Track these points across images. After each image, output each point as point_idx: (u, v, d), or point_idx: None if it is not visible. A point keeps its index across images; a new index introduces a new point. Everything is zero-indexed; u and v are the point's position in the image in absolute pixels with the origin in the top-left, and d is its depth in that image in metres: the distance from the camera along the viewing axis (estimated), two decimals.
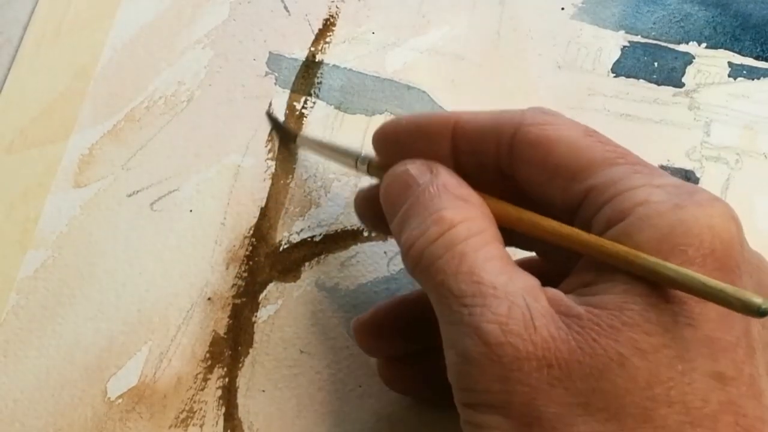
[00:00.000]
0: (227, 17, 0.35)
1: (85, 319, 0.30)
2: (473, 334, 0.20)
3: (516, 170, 0.23)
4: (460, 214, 0.22)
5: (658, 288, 0.20)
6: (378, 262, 0.32)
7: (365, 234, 0.32)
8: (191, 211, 0.32)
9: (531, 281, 0.21)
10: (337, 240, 0.32)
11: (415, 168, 0.24)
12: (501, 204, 0.23)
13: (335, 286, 0.31)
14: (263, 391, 0.30)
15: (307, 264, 0.32)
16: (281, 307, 0.31)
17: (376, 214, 0.26)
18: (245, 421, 0.29)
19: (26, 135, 0.33)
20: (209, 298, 0.31)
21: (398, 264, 0.32)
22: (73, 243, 0.31)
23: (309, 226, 0.32)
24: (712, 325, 0.19)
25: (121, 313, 0.31)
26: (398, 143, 0.25)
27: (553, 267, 0.24)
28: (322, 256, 0.32)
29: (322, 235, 0.32)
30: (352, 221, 0.32)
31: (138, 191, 0.32)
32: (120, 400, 0.29)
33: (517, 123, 0.23)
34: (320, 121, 0.34)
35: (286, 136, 0.33)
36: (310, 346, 0.30)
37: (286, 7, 0.36)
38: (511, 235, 0.23)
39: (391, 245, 0.32)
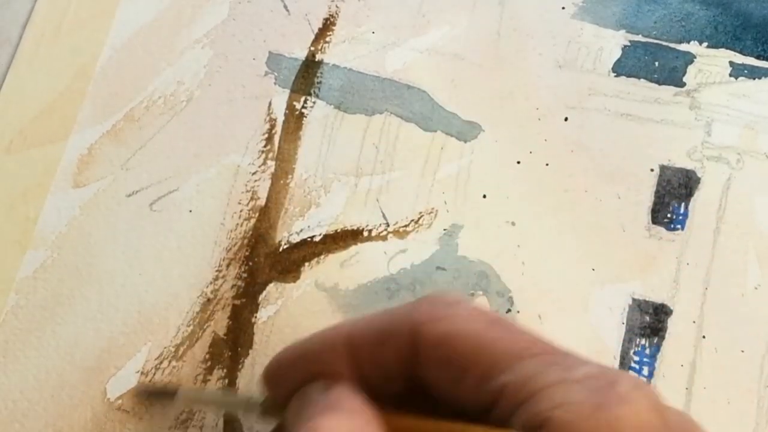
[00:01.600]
0: (227, 17, 0.35)
1: (85, 319, 0.30)
2: None
3: (422, 374, 0.22)
4: (339, 426, 0.20)
5: None
6: (378, 262, 0.32)
7: (365, 234, 0.32)
8: (191, 211, 0.32)
9: None
10: (337, 240, 0.32)
11: (312, 388, 0.22)
12: (405, 418, 0.22)
13: (335, 286, 0.31)
14: None
15: (307, 264, 0.32)
16: (281, 307, 0.31)
17: None
18: (245, 422, 0.29)
19: (26, 135, 0.33)
20: (209, 299, 0.31)
21: (398, 264, 0.32)
22: (72, 243, 0.31)
23: (309, 226, 0.32)
24: None
25: (121, 314, 0.31)
26: (292, 375, 0.23)
27: None
28: (322, 256, 0.32)
29: (322, 235, 0.32)
30: (352, 221, 0.32)
31: (137, 191, 0.32)
32: (120, 401, 0.29)
33: (412, 322, 0.21)
34: (320, 121, 0.34)
35: (163, 397, 0.30)
36: None
37: (286, 7, 0.36)
38: None
39: (391, 245, 0.32)
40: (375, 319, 0.23)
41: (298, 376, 0.23)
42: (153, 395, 0.30)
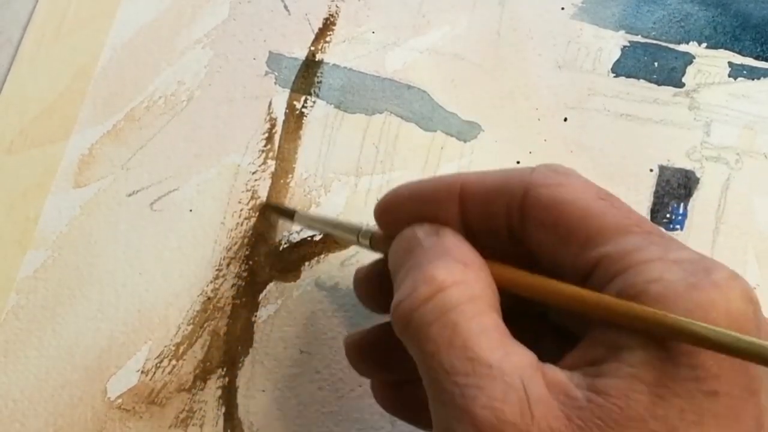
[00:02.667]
0: (227, 17, 0.35)
1: (85, 319, 0.30)
2: (465, 419, 0.19)
3: (526, 234, 0.22)
4: (453, 276, 0.21)
5: (667, 375, 0.18)
6: None
7: None
8: (191, 211, 0.32)
9: (528, 358, 0.20)
10: (337, 240, 0.32)
11: (421, 231, 0.23)
12: (508, 269, 0.22)
13: (335, 285, 0.31)
14: (263, 391, 0.30)
15: (307, 264, 0.32)
16: (281, 307, 0.31)
17: (374, 292, 0.25)
18: (245, 421, 0.29)
19: (26, 135, 0.33)
20: (209, 298, 0.31)
21: None
22: (73, 243, 0.31)
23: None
24: (721, 421, 0.18)
25: (121, 313, 0.31)
26: (403, 213, 0.24)
27: (560, 328, 0.23)
28: (322, 256, 0.32)
29: (322, 235, 0.32)
30: (352, 221, 0.32)
31: (138, 191, 0.32)
32: (120, 400, 0.29)
33: (527, 183, 0.22)
34: (320, 120, 0.34)
35: (284, 215, 0.32)
36: (310, 346, 0.30)
37: (286, 7, 0.36)
38: (520, 301, 0.23)
39: None
40: (491, 174, 0.23)
41: (409, 215, 0.24)
42: (276, 211, 0.32)
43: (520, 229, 0.22)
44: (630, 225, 0.21)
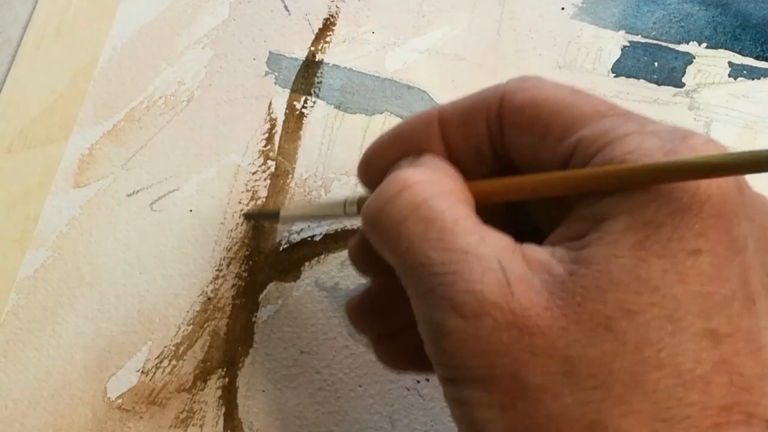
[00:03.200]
0: (227, 17, 0.35)
1: (85, 319, 0.30)
2: (446, 306, 0.19)
3: (508, 144, 0.22)
4: (421, 175, 0.21)
5: (648, 238, 0.18)
6: None
7: None
8: (191, 211, 0.32)
9: (504, 240, 0.20)
10: (337, 239, 0.32)
11: (403, 160, 0.23)
12: (487, 182, 0.22)
13: (335, 286, 0.31)
14: (263, 391, 0.30)
15: (307, 264, 0.32)
16: (281, 307, 0.31)
17: (369, 258, 0.25)
18: (245, 421, 0.29)
19: (26, 135, 0.33)
20: (209, 298, 0.31)
21: None
22: (73, 243, 0.31)
23: (309, 226, 0.32)
24: (704, 279, 0.18)
25: (121, 313, 0.31)
26: (386, 160, 0.24)
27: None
28: (322, 256, 0.32)
29: (322, 235, 0.32)
30: (352, 221, 0.32)
31: (138, 191, 0.32)
32: (120, 400, 0.29)
33: (501, 93, 0.22)
34: (320, 120, 0.34)
35: (268, 219, 0.32)
36: (310, 346, 0.30)
37: (286, 7, 0.36)
38: (510, 215, 0.23)
39: None
40: (464, 98, 0.23)
41: (392, 158, 0.23)
42: (259, 218, 0.32)
43: (500, 144, 0.22)
44: (605, 110, 0.21)
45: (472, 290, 0.19)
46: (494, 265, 0.19)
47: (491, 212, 0.22)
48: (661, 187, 0.19)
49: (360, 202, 0.25)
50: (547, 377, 0.18)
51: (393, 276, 0.24)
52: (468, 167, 0.23)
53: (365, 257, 0.25)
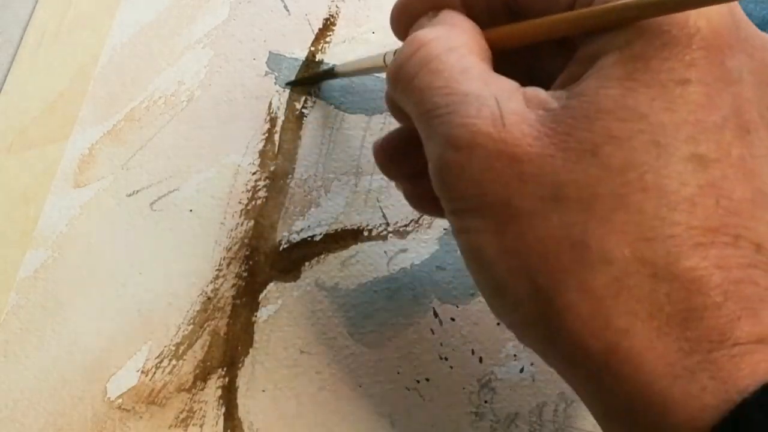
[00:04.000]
0: (227, 17, 0.35)
1: (86, 318, 0.30)
2: (444, 142, 0.20)
3: None
4: (435, 33, 0.22)
5: (638, 69, 0.19)
6: (378, 261, 0.32)
7: (365, 234, 0.32)
8: (191, 211, 0.32)
9: (508, 84, 0.21)
10: (337, 239, 0.32)
11: (425, 17, 0.24)
12: (501, 28, 0.23)
13: (335, 285, 0.31)
14: (263, 391, 0.30)
15: (307, 264, 0.32)
16: (281, 306, 0.31)
17: (395, 157, 0.26)
18: (245, 420, 0.29)
19: (26, 135, 0.33)
20: (209, 298, 0.31)
21: (398, 264, 0.32)
22: (73, 243, 0.31)
23: (309, 226, 0.32)
24: (692, 107, 0.19)
25: (121, 313, 0.31)
26: (412, 14, 0.25)
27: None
28: (322, 256, 0.32)
29: (322, 235, 0.32)
30: (352, 221, 0.32)
31: (138, 191, 0.32)
32: (120, 400, 0.29)
33: None
34: (320, 120, 0.34)
35: (326, 77, 0.34)
36: (310, 346, 0.30)
37: (286, 7, 0.36)
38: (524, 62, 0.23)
39: (391, 245, 0.32)
40: None
41: (417, 11, 0.24)
42: (307, 81, 0.34)
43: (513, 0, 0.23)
44: None
45: (466, 124, 0.20)
46: (490, 101, 0.20)
47: (507, 71, 0.23)
48: (651, 22, 0.19)
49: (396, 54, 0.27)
50: (536, 202, 0.19)
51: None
52: (483, 25, 0.23)
53: (394, 104, 0.27)
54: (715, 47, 0.19)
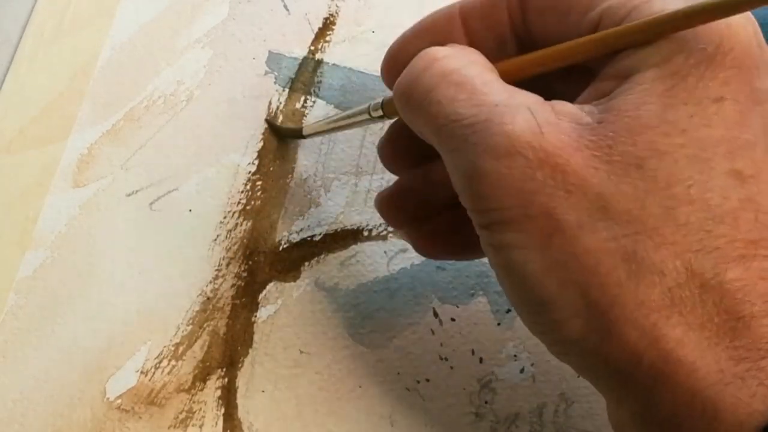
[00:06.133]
0: (227, 17, 0.35)
1: (85, 319, 0.30)
2: (480, 150, 0.19)
3: (531, 27, 0.23)
4: (446, 50, 0.22)
5: (676, 86, 0.19)
6: (378, 261, 0.32)
7: (365, 234, 0.32)
8: (191, 211, 0.32)
9: (534, 96, 0.20)
10: (337, 239, 0.32)
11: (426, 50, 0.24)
12: (513, 59, 0.23)
13: (335, 285, 0.31)
14: (263, 391, 0.30)
15: (306, 264, 0.32)
16: (281, 307, 0.31)
17: (398, 152, 0.26)
18: (245, 421, 0.29)
19: (26, 135, 0.33)
20: (209, 298, 0.31)
21: (398, 263, 0.32)
22: (72, 243, 0.31)
23: (309, 226, 0.32)
24: (728, 123, 0.19)
25: (121, 313, 0.30)
26: (410, 55, 0.24)
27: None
28: (322, 256, 0.32)
29: (321, 235, 0.32)
30: (352, 221, 0.32)
31: (137, 191, 0.32)
32: (119, 401, 0.29)
33: None
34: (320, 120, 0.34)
35: (291, 135, 0.33)
36: (310, 346, 0.30)
37: (285, 6, 0.36)
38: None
39: (391, 245, 0.32)
40: None
41: (416, 52, 0.23)
42: (280, 131, 0.33)
43: (523, 30, 0.23)
44: None
45: (504, 132, 0.19)
46: (524, 110, 0.20)
47: None
48: (687, 40, 0.19)
49: (384, 102, 0.26)
50: (581, 213, 0.19)
51: (421, 169, 0.26)
52: (491, 59, 0.23)
53: (394, 151, 0.27)
54: (746, 67, 0.19)
